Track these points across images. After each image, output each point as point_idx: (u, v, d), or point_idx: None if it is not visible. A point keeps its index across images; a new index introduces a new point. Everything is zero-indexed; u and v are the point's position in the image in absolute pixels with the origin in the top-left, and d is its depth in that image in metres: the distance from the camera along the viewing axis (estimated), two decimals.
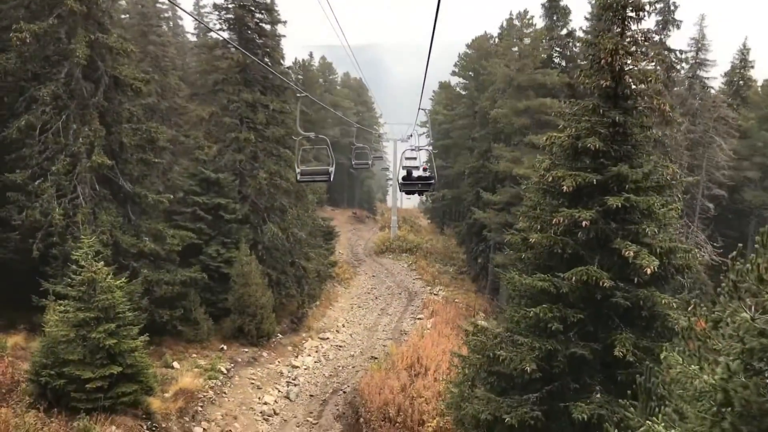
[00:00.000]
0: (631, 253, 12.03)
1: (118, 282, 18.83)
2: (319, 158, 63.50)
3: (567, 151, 13.58)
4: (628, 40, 12.85)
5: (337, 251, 53.34)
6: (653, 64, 14.32)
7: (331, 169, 17.03)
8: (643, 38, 12.89)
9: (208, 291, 29.85)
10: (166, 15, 60.60)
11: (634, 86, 13.10)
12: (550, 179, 13.16)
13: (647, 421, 7.90)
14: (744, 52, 47.40)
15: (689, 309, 8.28)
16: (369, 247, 61.57)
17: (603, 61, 12.61)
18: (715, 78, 51.36)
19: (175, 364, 25.17)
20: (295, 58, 69.35)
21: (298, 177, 17.26)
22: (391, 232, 62.87)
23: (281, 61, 44.58)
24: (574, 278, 12.42)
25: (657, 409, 8.73)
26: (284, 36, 35.97)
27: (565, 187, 12.70)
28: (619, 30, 12.90)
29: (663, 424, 7.76)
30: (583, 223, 12.37)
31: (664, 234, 13.38)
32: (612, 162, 13.19)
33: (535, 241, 13.17)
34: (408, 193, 22.38)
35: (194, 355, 26.80)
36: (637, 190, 12.96)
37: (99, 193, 24.77)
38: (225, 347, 28.60)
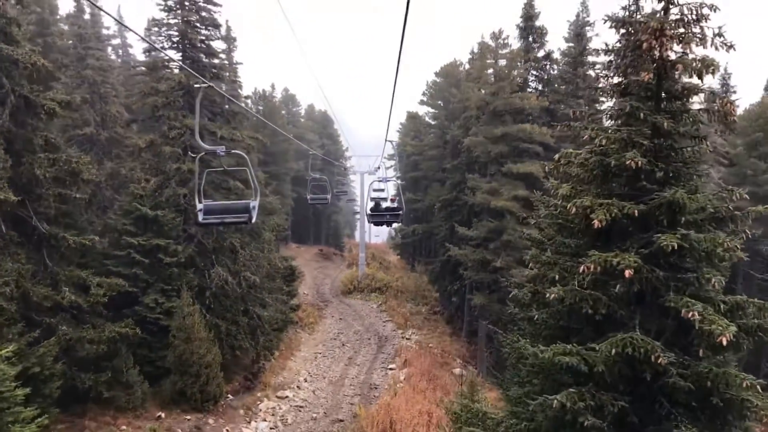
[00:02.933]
0: (696, 315, 8.32)
1: (1, 351, 14.55)
2: (281, 191, 59.89)
3: (593, 172, 9.91)
4: (674, 18, 9.37)
5: (302, 292, 49.16)
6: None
7: (254, 203, 11.85)
8: (694, 17, 9.34)
9: (145, 347, 25.48)
10: (114, 42, 56.99)
11: (686, 81, 9.60)
12: (573, 210, 9.43)
13: None
14: (725, 77, 45.50)
15: None
16: (336, 286, 57.42)
17: (645, 45, 9.07)
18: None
19: None
20: (255, 88, 66.19)
21: (200, 218, 11.91)
22: (359, 270, 58.86)
23: (239, 90, 41.18)
24: (613, 350, 8.72)
25: None
26: (241, 63, 32.56)
27: (596, 222, 8.99)
28: (663, 5, 9.33)
29: None
30: (626, 273, 8.64)
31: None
32: (657, 186, 9.58)
33: (553, 297, 9.40)
34: (376, 224, 22.35)
35: (124, 428, 22.34)
36: (690, 224, 9.35)
37: (6, 236, 20.68)
38: (163, 415, 24.13)
